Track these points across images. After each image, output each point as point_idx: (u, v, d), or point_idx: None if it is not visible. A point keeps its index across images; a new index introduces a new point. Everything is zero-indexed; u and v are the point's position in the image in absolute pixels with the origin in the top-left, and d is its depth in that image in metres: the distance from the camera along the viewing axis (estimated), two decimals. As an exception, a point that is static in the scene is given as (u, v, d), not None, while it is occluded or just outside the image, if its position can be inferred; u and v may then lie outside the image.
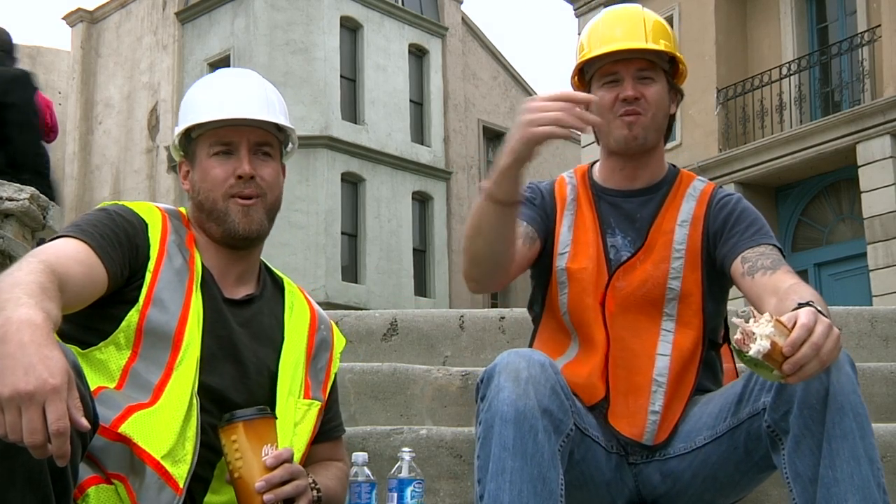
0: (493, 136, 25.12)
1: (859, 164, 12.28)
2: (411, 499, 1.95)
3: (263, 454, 1.70)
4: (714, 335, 2.18)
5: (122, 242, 1.78)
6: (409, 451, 2.00)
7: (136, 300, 1.77)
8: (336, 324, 3.63)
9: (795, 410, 1.77)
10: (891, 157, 12.03)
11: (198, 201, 1.91)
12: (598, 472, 2.02)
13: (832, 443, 1.72)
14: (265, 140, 1.91)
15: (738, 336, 1.67)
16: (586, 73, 2.20)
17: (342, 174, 20.65)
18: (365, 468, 1.98)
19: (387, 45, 22.16)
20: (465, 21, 24.66)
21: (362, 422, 3.05)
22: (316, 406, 1.93)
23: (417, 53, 23.03)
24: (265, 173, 1.90)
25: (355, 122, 21.29)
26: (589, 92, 2.17)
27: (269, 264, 2.06)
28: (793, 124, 13.38)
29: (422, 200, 22.55)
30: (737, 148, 13.69)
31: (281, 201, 1.96)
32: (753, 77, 13.93)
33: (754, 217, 2.15)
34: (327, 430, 2.00)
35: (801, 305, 1.74)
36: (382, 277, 21.02)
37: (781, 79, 13.58)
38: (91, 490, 1.65)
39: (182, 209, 1.98)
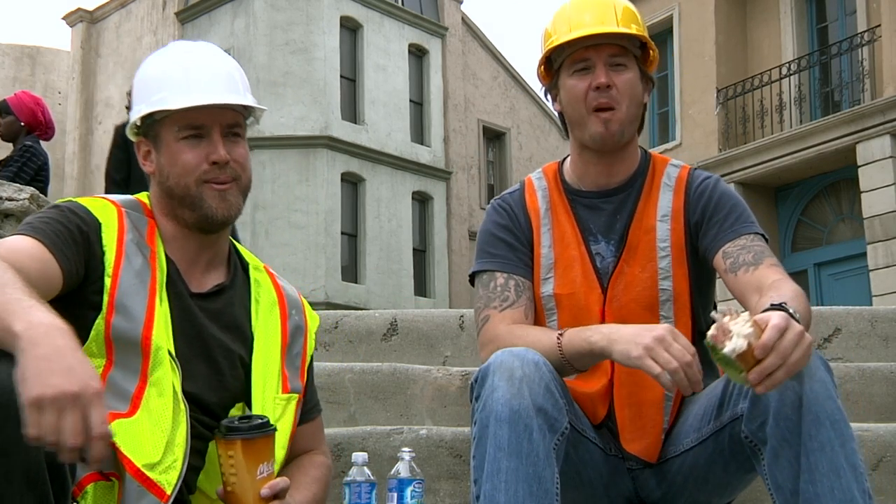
0: (492, 136, 25.11)
1: (859, 163, 12.27)
2: (411, 499, 1.95)
3: (259, 472, 1.68)
4: (703, 326, 2.12)
5: (76, 240, 1.72)
6: (409, 451, 2.00)
7: (100, 306, 1.72)
8: (336, 324, 3.65)
9: (771, 421, 1.73)
10: (890, 156, 12.03)
11: (167, 187, 1.83)
12: (597, 474, 2.01)
13: (810, 456, 1.68)
14: (236, 121, 1.85)
15: (713, 332, 1.65)
16: (554, 62, 2.10)
17: (342, 174, 20.64)
18: (365, 468, 1.98)
19: (387, 45, 22.15)
20: (465, 21, 24.65)
21: (362, 422, 3.05)
22: (294, 399, 1.88)
23: (417, 53, 23.02)
24: (238, 155, 1.84)
25: (355, 122, 21.28)
26: (557, 82, 2.10)
27: (237, 244, 1.99)
28: (793, 124, 13.38)
29: (422, 200, 22.54)
30: (737, 148, 13.69)
31: (251, 179, 1.90)
32: (753, 77, 13.93)
33: (732, 203, 2.06)
34: (305, 412, 1.94)
35: (773, 307, 1.71)
36: (382, 277, 21.01)
37: (781, 79, 13.58)
38: (89, 487, 1.64)
39: (142, 196, 1.90)
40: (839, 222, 13.59)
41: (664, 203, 2.09)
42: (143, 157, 1.88)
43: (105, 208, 1.81)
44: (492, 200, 2.20)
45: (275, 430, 1.73)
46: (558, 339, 1.90)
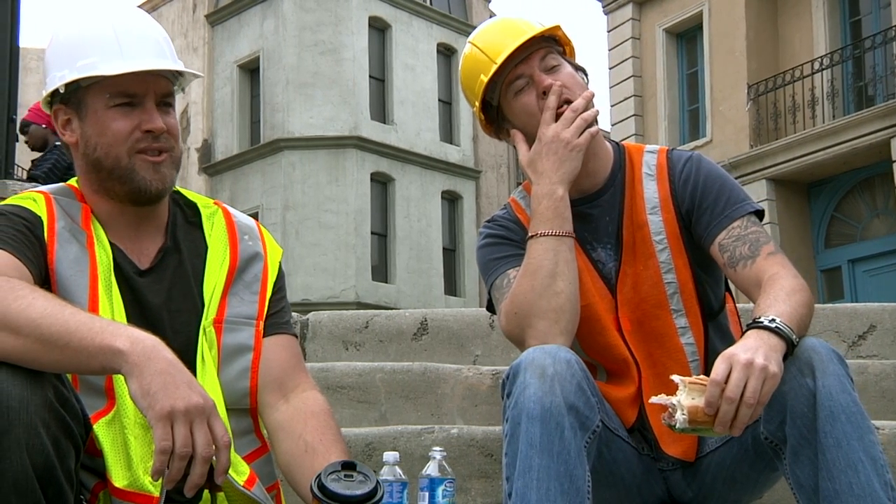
0: (522, 135, 25.09)
1: (894, 158, 12.13)
2: (442, 498, 1.95)
3: None
4: (720, 304, 2.09)
5: (31, 241, 1.65)
6: (440, 451, 2.00)
7: None
8: (366, 324, 3.67)
9: (789, 420, 1.72)
10: (926, 151, 11.89)
11: (94, 158, 1.72)
12: (630, 474, 2.00)
13: (827, 453, 1.66)
14: (169, 90, 1.75)
15: (664, 415, 1.68)
16: (492, 101, 2.07)
17: (371, 174, 20.70)
18: (396, 467, 1.98)
19: (415, 44, 22.19)
20: (494, 20, 24.65)
21: (393, 421, 3.06)
22: (249, 325, 1.76)
23: (446, 53, 23.03)
24: (171, 125, 1.73)
25: (384, 122, 21.34)
26: (504, 119, 2.07)
27: (179, 190, 1.87)
28: (825, 119, 13.25)
29: (451, 200, 22.55)
30: (768, 144, 13.57)
31: (182, 152, 1.82)
32: (785, 72, 13.80)
33: (720, 184, 2.02)
34: (272, 326, 1.82)
35: (749, 327, 1.72)
36: (412, 277, 21.05)
37: (813, 73, 13.44)
38: (101, 493, 1.60)
39: (72, 181, 1.79)
40: (874, 218, 13.44)
41: (650, 194, 2.06)
42: (62, 127, 1.76)
43: (37, 201, 1.73)
44: (482, 225, 2.16)
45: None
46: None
